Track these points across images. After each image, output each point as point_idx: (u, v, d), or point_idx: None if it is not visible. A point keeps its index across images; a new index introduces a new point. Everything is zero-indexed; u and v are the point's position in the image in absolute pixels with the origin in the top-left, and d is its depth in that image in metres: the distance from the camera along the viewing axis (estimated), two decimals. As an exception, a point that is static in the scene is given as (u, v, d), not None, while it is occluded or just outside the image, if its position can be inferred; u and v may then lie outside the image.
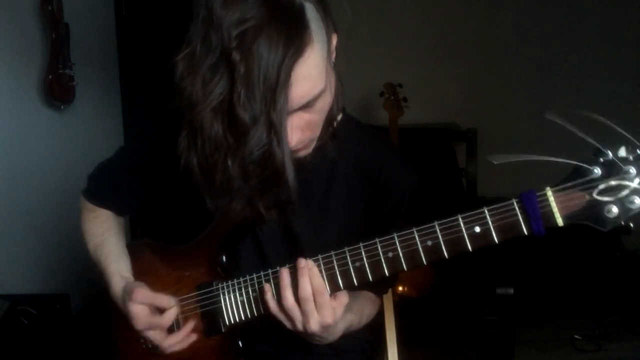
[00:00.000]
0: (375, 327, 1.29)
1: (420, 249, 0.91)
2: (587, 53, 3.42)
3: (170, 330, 1.11)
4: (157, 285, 1.13)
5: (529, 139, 3.17)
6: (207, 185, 0.89)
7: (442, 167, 2.97)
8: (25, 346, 1.88)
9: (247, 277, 1.06)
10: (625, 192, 0.79)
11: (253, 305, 1.06)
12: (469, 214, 0.88)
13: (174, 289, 1.14)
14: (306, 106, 0.88)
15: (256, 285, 1.05)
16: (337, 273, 0.97)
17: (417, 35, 3.51)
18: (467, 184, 2.89)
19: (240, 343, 1.10)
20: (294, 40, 0.81)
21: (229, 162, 0.84)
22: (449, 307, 2.44)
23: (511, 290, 2.09)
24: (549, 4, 3.41)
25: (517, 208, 0.84)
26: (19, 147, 2.36)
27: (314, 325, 0.96)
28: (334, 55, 0.94)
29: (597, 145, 0.80)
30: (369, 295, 1.19)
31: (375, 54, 3.43)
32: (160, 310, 1.09)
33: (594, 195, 0.80)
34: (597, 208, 0.81)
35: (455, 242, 0.89)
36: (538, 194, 0.83)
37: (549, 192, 0.83)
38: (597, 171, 0.80)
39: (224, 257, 1.11)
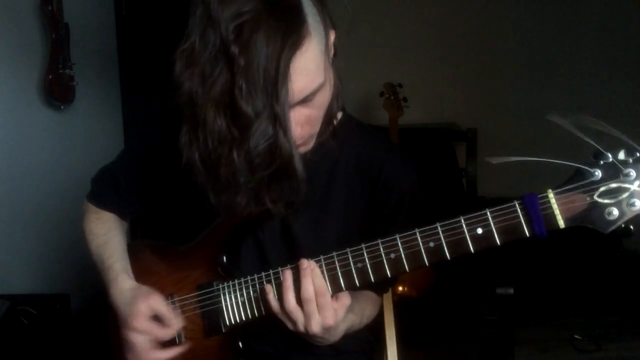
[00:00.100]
0: (375, 327, 1.29)
1: (423, 250, 0.91)
2: (587, 53, 3.41)
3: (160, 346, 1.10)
4: (157, 285, 1.14)
5: (529, 139, 3.17)
6: (210, 180, 0.89)
7: (442, 167, 2.97)
8: (25, 346, 1.87)
9: (248, 278, 1.06)
10: (625, 195, 0.80)
11: (254, 305, 1.05)
12: (471, 215, 0.88)
13: (174, 289, 1.14)
14: (305, 100, 0.88)
15: (257, 286, 1.05)
16: (339, 274, 0.97)
17: (417, 35, 3.51)
18: (467, 184, 2.89)
19: (240, 343, 1.10)
20: (292, 33, 0.82)
21: (234, 156, 0.84)
22: (449, 307, 2.44)
23: (511, 290, 2.09)
24: (549, 4, 3.41)
25: (519, 210, 0.85)
26: (19, 147, 2.36)
27: (315, 326, 0.96)
28: (332, 51, 0.94)
29: (597, 147, 0.80)
30: (370, 294, 1.19)
31: (375, 54, 3.44)
32: (163, 324, 1.09)
33: (595, 197, 0.81)
34: (597, 210, 0.81)
35: (457, 244, 0.89)
36: (539, 196, 0.83)
37: (551, 194, 0.83)
38: (598, 174, 0.80)
39: (224, 257, 1.11)
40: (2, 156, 2.26)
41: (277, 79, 0.81)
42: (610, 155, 0.80)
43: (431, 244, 0.91)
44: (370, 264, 0.95)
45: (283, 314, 0.99)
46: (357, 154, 1.13)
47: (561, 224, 0.83)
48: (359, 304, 1.12)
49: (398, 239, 0.93)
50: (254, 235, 1.15)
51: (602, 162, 0.80)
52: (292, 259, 1.00)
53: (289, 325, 0.99)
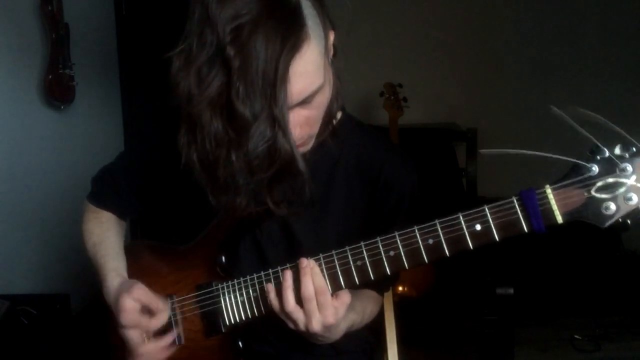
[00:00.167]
0: (375, 327, 1.29)
1: (422, 247, 0.91)
2: (587, 53, 3.42)
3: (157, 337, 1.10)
4: (156, 285, 1.13)
5: (529, 139, 3.17)
6: (209, 181, 0.89)
7: (442, 167, 2.97)
8: (25, 346, 1.87)
9: (247, 277, 1.06)
10: (622, 189, 0.80)
11: (253, 305, 1.06)
12: (470, 212, 0.88)
13: (174, 290, 1.14)
14: (304, 102, 0.88)
15: (256, 285, 1.05)
16: (339, 272, 0.97)
17: (417, 35, 3.51)
18: (467, 184, 2.89)
19: (240, 343, 1.10)
20: (291, 36, 0.82)
21: (233, 157, 0.84)
22: (449, 307, 2.45)
23: (511, 290, 2.09)
24: (549, 4, 3.41)
25: (517, 206, 0.85)
26: (19, 147, 2.36)
27: (316, 325, 0.96)
28: (331, 52, 0.94)
29: (595, 142, 0.80)
30: (371, 293, 1.19)
31: (375, 54, 3.44)
32: (151, 314, 1.08)
33: (592, 192, 0.81)
34: (595, 205, 0.81)
35: (456, 240, 0.89)
36: (537, 191, 0.84)
37: (548, 190, 0.83)
38: (595, 169, 0.81)
39: (223, 258, 1.11)
40: (2, 156, 2.26)
41: (275, 81, 0.81)
42: (606, 150, 0.80)
43: (430, 241, 0.91)
44: (369, 262, 0.95)
45: (284, 314, 0.98)
46: (357, 154, 1.13)
47: (559, 219, 0.83)
48: (360, 303, 1.12)
49: (397, 236, 0.93)
50: (252, 235, 1.15)
51: (598, 157, 0.81)
52: (291, 259, 1.00)
53: (290, 325, 0.99)
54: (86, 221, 1.27)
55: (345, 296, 0.98)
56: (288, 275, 0.97)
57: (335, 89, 0.97)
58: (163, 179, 1.17)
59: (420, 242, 0.91)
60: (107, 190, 1.26)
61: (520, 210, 0.85)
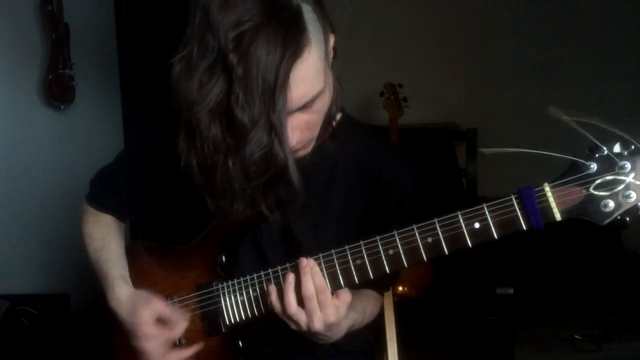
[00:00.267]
0: (375, 327, 1.29)
1: (421, 246, 0.91)
2: (587, 53, 3.42)
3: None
4: (156, 285, 1.14)
5: (529, 139, 3.16)
6: (208, 186, 0.89)
7: (442, 167, 2.97)
8: (25, 346, 1.88)
9: (247, 277, 1.06)
10: (620, 187, 0.80)
11: (253, 305, 1.06)
12: (469, 210, 0.88)
13: (174, 290, 1.14)
14: (305, 107, 0.88)
15: (256, 285, 1.05)
16: (338, 271, 0.97)
17: (417, 35, 3.51)
18: (467, 184, 2.89)
19: (240, 343, 1.10)
20: (292, 42, 0.82)
21: (230, 164, 0.84)
22: (449, 307, 2.45)
23: (511, 290, 2.09)
24: (549, 4, 3.41)
25: (515, 204, 0.85)
26: (19, 147, 2.36)
27: (318, 324, 0.96)
28: (331, 55, 0.94)
29: (594, 140, 0.81)
30: (372, 293, 1.19)
31: (375, 54, 3.44)
32: (168, 326, 1.08)
33: (591, 190, 0.81)
34: (593, 203, 0.81)
35: (455, 239, 0.89)
36: (536, 189, 0.84)
37: (547, 188, 0.83)
38: (593, 166, 0.81)
39: (223, 258, 1.11)
40: (2, 156, 2.27)
41: (275, 88, 0.81)
42: (605, 148, 0.80)
43: (429, 239, 0.91)
44: (368, 261, 0.95)
45: (286, 316, 0.98)
46: (356, 154, 1.13)
47: (557, 216, 0.83)
48: (360, 302, 1.12)
49: (396, 235, 0.93)
50: (252, 235, 1.15)
51: (597, 155, 0.81)
52: (291, 259, 1.01)
53: (292, 326, 0.99)
54: (86, 225, 1.27)
55: (345, 294, 0.98)
56: (289, 277, 0.97)
57: (336, 92, 0.97)
58: (163, 179, 1.17)
59: (419, 241, 0.91)
60: (106, 191, 1.25)
61: (519, 208, 0.85)
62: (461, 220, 0.88)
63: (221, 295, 1.09)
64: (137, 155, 1.25)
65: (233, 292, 1.08)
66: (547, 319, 2.86)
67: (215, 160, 0.85)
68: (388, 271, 0.94)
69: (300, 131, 0.91)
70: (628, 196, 0.80)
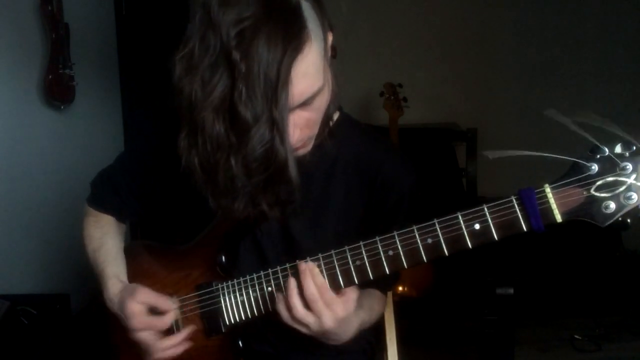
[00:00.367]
0: (375, 327, 1.29)
1: (421, 247, 0.91)
2: (587, 53, 3.42)
3: (167, 333, 1.10)
4: (156, 285, 1.13)
5: (529, 139, 3.17)
6: (209, 184, 0.89)
7: (442, 167, 2.97)
8: (25, 346, 1.88)
9: (247, 277, 1.06)
10: (622, 188, 0.80)
11: (253, 305, 1.05)
12: (469, 211, 0.88)
13: (173, 290, 1.14)
14: (305, 104, 0.89)
15: (256, 286, 1.05)
16: (338, 272, 0.97)
17: (417, 35, 3.51)
18: (467, 184, 2.89)
19: (240, 343, 1.10)
20: (293, 38, 0.82)
21: (232, 161, 0.84)
22: (449, 307, 2.44)
23: (511, 290, 2.09)
24: (549, 4, 3.41)
25: (516, 205, 0.85)
26: (19, 147, 2.36)
27: (329, 321, 0.95)
28: (330, 53, 0.95)
29: (594, 142, 0.80)
30: (375, 292, 1.18)
31: (375, 54, 3.44)
32: (159, 313, 1.09)
33: (592, 191, 0.81)
34: (594, 204, 0.81)
35: (455, 240, 0.89)
36: (536, 190, 0.83)
37: (548, 189, 0.83)
38: (594, 168, 0.81)
39: (223, 257, 1.11)
40: (2, 156, 2.26)
41: (277, 84, 0.81)
42: (606, 149, 0.80)
43: (429, 240, 0.91)
44: (368, 262, 0.95)
45: (295, 321, 0.98)
46: (355, 153, 1.13)
47: (558, 218, 0.82)
48: (367, 301, 1.11)
49: (396, 236, 0.93)
50: (252, 235, 1.15)
51: (598, 156, 0.81)
52: (291, 259, 1.01)
53: (303, 330, 0.98)
54: (86, 226, 1.27)
55: (350, 292, 0.97)
56: (290, 283, 0.97)
57: (334, 90, 0.97)
58: (163, 179, 1.17)
59: (419, 242, 0.91)
60: (106, 192, 1.25)
61: (520, 210, 0.84)
62: (461, 221, 0.88)
63: (221, 295, 1.09)
64: (137, 156, 1.25)
65: (233, 292, 1.08)
66: (547, 319, 2.86)
67: (218, 158, 0.85)
68: (388, 272, 0.94)
69: (300, 129, 0.91)
70: (629, 197, 0.79)
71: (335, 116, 1.13)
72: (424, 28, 3.51)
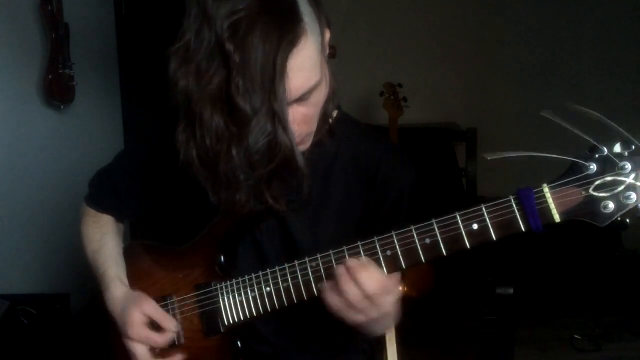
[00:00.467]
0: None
1: (419, 247, 0.91)
2: (587, 53, 3.41)
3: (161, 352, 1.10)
4: (155, 286, 1.14)
5: (529, 139, 3.17)
6: (209, 178, 0.89)
7: (442, 167, 2.97)
8: (25, 346, 1.88)
9: (246, 277, 1.06)
10: (621, 188, 0.79)
11: (252, 305, 1.05)
12: (467, 211, 0.87)
13: (173, 290, 1.14)
14: (302, 99, 0.89)
15: (255, 286, 1.05)
16: (337, 272, 0.96)
17: (417, 35, 3.51)
18: (467, 184, 2.89)
19: (239, 343, 1.10)
20: (288, 31, 0.82)
21: (234, 153, 0.84)
22: (449, 307, 2.44)
23: (511, 290, 2.09)
24: (549, 4, 3.41)
25: (514, 205, 0.84)
26: (19, 147, 2.36)
27: (390, 303, 0.95)
28: (327, 50, 0.95)
29: (593, 142, 0.80)
30: None
31: (375, 54, 3.44)
32: (158, 329, 1.09)
33: (591, 191, 0.81)
34: (593, 204, 0.81)
35: (453, 240, 0.89)
36: (535, 190, 0.83)
37: (546, 189, 0.83)
38: (593, 167, 0.80)
39: (222, 258, 1.11)
40: (2, 156, 2.26)
41: (274, 76, 0.81)
42: (605, 149, 0.80)
43: (427, 241, 0.90)
44: (367, 262, 0.94)
45: (349, 309, 0.93)
46: (354, 152, 1.13)
47: (557, 218, 0.82)
48: None
49: (394, 235, 0.93)
50: (251, 235, 1.15)
51: (597, 156, 0.80)
52: (290, 258, 1.00)
53: (360, 317, 0.94)
54: (85, 226, 1.27)
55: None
56: (341, 271, 0.92)
57: (332, 87, 0.97)
58: (162, 179, 1.17)
59: (417, 242, 0.91)
60: (105, 192, 1.25)
61: (518, 210, 0.84)
62: (459, 222, 0.88)
63: (220, 296, 1.09)
64: (136, 155, 1.25)
65: (232, 292, 1.07)
66: (547, 319, 2.86)
67: (218, 150, 0.85)
68: (386, 273, 0.94)
69: (298, 125, 0.91)
70: (628, 197, 0.79)
71: (334, 114, 1.13)
72: (424, 28, 3.51)
